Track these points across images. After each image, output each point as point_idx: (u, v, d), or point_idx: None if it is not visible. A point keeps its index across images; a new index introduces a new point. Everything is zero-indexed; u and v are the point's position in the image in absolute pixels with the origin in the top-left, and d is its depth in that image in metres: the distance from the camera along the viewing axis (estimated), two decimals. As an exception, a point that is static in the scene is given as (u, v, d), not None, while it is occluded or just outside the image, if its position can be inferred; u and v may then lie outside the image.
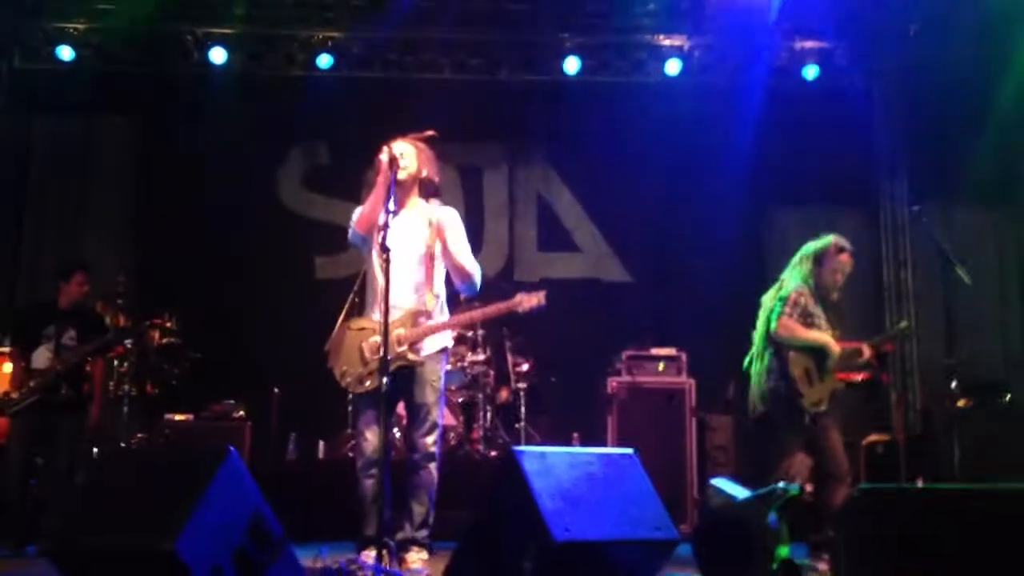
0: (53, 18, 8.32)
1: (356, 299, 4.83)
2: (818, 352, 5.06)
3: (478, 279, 4.59)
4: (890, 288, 8.88)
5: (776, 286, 5.30)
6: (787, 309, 5.09)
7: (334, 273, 8.58)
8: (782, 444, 5.06)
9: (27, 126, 8.87)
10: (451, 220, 4.56)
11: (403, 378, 4.37)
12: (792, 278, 5.24)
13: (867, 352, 5.20)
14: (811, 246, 5.28)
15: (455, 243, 4.52)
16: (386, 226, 4.10)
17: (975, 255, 8.07)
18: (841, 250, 5.22)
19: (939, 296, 4.87)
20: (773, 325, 5.10)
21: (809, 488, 4.83)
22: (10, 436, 6.13)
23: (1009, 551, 3.10)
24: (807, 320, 5.09)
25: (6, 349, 6.72)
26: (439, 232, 4.52)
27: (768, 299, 5.28)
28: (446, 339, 4.61)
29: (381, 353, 3.95)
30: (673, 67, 8.60)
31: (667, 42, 8.63)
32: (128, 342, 6.83)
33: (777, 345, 5.12)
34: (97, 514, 3.38)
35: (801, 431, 5.03)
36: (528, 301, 4.47)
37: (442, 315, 4.55)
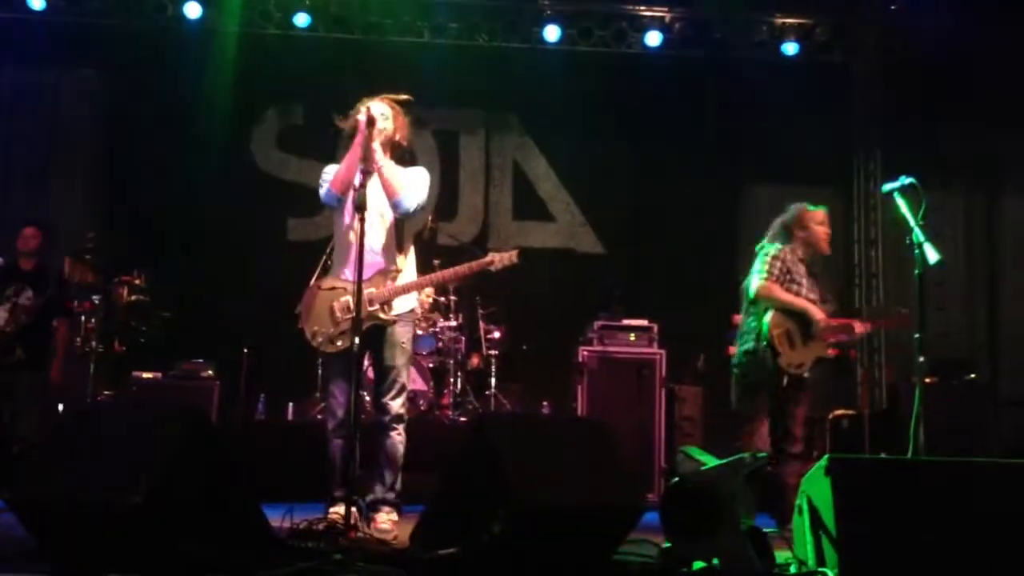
0: (24, -34, 8.14)
1: (328, 261, 4.81)
2: (800, 316, 5.02)
3: (408, 201, 4.41)
4: (861, 266, 8.98)
5: (759, 253, 5.23)
6: (767, 268, 5.04)
7: (307, 235, 8.52)
8: (752, 407, 5.02)
9: (-5, 76, 8.70)
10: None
11: (373, 339, 4.36)
12: (774, 243, 5.20)
13: (859, 328, 5.16)
14: (789, 215, 5.24)
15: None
16: (362, 186, 4.07)
17: (945, 235, 8.19)
18: (819, 222, 5.20)
19: (907, 275, 4.89)
20: (754, 287, 5.05)
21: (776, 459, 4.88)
22: None
23: (968, 521, 3.17)
24: (788, 282, 5.06)
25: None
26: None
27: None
28: (412, 301, 4.60)
29: (353, 312, 3.93)
30: (654, 39, 8.57)
31: (648, 13, 8.60)
32: (95, 298, 6.77)
33: (757, 306, 5.08)
34: (61, 468, 3.35)
35: (775, 392, 5.00)
36: (500, 260, 4.47)
37: (410, 276, 4.53)
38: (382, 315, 4.35)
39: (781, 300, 5.02)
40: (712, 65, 8.67)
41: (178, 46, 8.41)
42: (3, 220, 7.98)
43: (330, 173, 4.45)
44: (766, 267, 5.07)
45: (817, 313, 5.04)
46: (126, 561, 3.09)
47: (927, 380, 6.29)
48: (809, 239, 5.18)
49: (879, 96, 8.85)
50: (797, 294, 5.07)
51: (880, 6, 8.51)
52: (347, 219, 4.40)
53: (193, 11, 8.26)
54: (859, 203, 9.06)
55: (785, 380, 4.99)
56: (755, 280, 5.07)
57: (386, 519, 4.30)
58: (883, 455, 6.14)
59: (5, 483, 3.39)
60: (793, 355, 5.00)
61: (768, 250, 5.16)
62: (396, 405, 4.41)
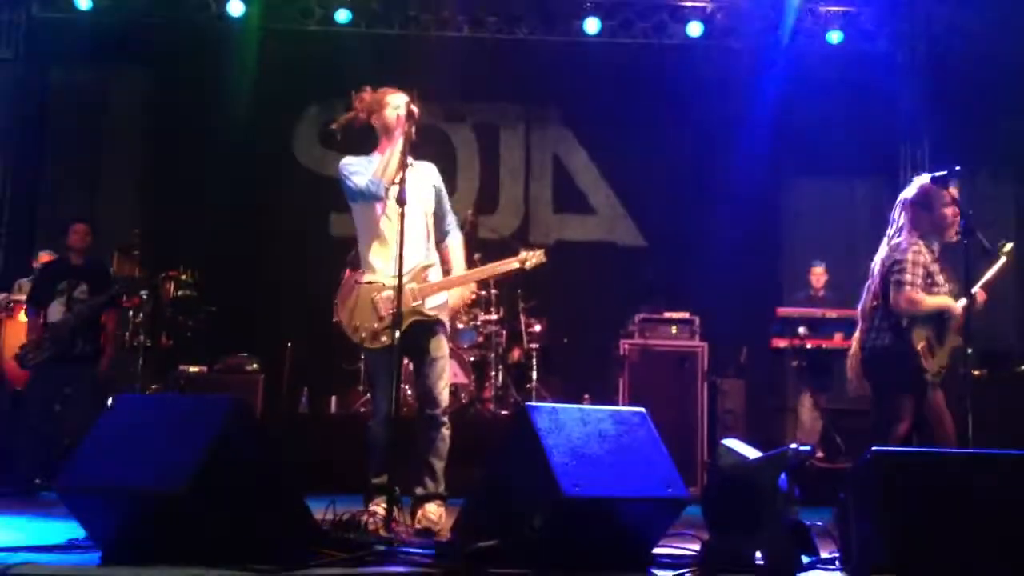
0: (71, -34, 8.29)
1: (354, 252, 4.83)
2: (938, 317, 4.43)
3: None
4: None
5: (886, 244, 4.58)
6: (909, 277, 4.37)
7: (349, 230, 8.51)
8: (895, 408, 4.42)
9: (45, 75, 8.87)
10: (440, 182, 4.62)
11: (418, 332, 4.36)
12: (904, 234, 4.51)
13: (981, 297, 4.60)
14: (910, 191, 4.57)
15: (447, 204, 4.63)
16: (404, 180, 4.08)
17: (995, 225, 8.01)
18: (946, 203, 4.45)
19: (956, 266, 4.78)
20: (892, 297, 4.39)
21: (820, 454, 4.78)
22: (30, 387, 6.36)
23: (1017, 517, 3.10)
24: (929, 283, 4.42)
25: (23, 298, 6.84)
26: (439, 193, 4.57)
27: (878, 261, 4.58)
28: (444, 293, 4.60)
29: (395, 307, 3.94)
30: (695, 29, 8.52)
31: (689, 4, 8.54)
32: (143, 293, 6.89)
33: (896, 314, 4.43)
34: (109, 458, 3.40)
35: (921, 394, 4.42)
36: (529, 259, 4.52)
37: (436, 270, 4.56)
38: (426, 310, 4.37)
39: (928, 308, 4.41)
40: (754, 55, 8.58)
41: (221, 43, 8.51)
42: (53, 218, 8.16)
43: (356, 165, 4.45)
44: (908, 276, 4.38)
45: (956, 307, 4.40)
46: (172, 549, 3.15)
47: (975, 372, 6.21)
48: (934, 222, 4.49)
49: (926, 83, 8.69)
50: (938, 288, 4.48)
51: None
52: (383, 212, 4.39)
53: (236, 8, 8.36)
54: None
55: (927, 386, 4.43)
56: (897, 290, 4.38)
57: (436, 511, 4.31)
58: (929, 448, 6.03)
59: (57, 473, 3.46)
60: (934, 363, 4.43)
61: (904, 249, 4.46)
62: (446, 396, 4.45)
